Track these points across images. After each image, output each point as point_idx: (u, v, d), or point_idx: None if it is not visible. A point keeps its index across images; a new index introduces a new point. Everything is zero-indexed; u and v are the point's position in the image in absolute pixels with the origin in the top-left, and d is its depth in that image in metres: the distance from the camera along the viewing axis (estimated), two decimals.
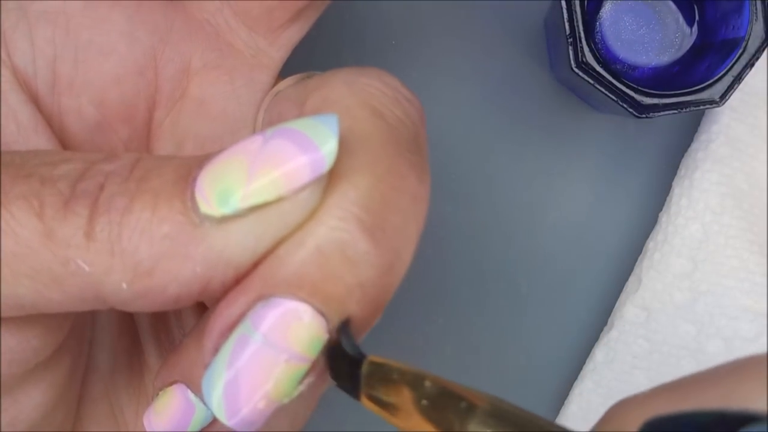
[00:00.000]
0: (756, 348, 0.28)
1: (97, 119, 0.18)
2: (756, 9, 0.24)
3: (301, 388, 0.13)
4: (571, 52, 0.24)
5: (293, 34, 0.19)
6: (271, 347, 0.13)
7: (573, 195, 0.29)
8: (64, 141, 0.18)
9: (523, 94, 0.29)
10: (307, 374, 0.13)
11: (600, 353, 0.28)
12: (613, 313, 0.28)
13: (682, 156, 0.29)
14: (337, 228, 0.13)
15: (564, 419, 0.28)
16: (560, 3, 0.24)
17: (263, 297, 0.13)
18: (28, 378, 0.15)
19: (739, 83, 0.24)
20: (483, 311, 0.29)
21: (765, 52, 0.25)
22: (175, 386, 0.16)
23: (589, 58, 0.24)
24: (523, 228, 0.29)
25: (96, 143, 0.18)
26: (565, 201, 0.29)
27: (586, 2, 0.24)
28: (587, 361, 0.28)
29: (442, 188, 0.29)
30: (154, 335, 0.20)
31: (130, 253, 0.13)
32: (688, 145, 0.29)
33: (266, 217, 0.13)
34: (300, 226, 0.13)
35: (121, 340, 0.20)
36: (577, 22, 0.24)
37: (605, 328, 0.28)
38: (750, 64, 0.24)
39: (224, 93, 0.19)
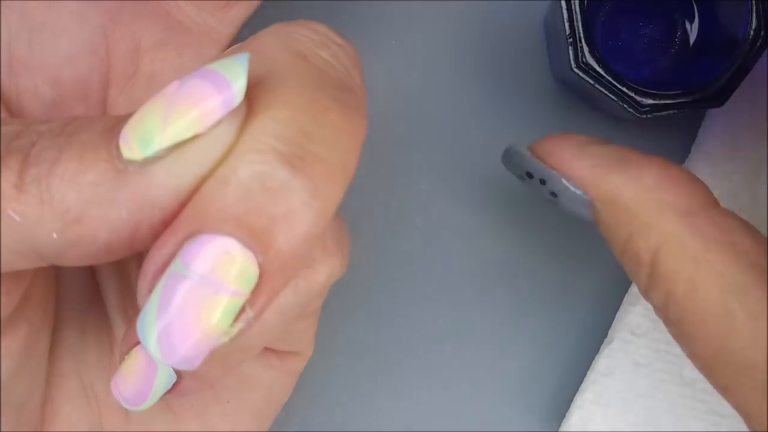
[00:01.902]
0: None
1: (53, 98, 0.18)
2: (756, 9, 0.24)
3: (240, 325, 0.14)
4: (571, 53, 0.24)
5: (240, 11, 0.20)
6: (203, 282, 0.13)
7: None
8: None
9: (523, 94, 0.29)
10: (242, 310, 0.13)
11: (601, 364, 0.28)
12: (613, 324, 0.28)
13: (683, 156, 0.29)
14: (255, 160, 0.13)
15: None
16: (560, 3, 0.24)
17: (192, 235, 0.13)
18: None
19: (739, 83, 0.24)
20: (483, 313, 0.29)
21: (765, 52, 0.25)
22: (138, 347, 0.16)
23: (589, 58, 0.24)
24: (523, 229, 0.29)
25: None
26: None
27: (586, 2, 0.24)
28: (588, 372, 0.28)
29: (442, 188, 0.29)
30: (122, 311, 0.20)
31: (58, 201, 0.13)
32: (689, 145, 0.28)
33: (185, 155, 0.13)
34: (222, 163, 0.13)
35: (89, 317, 0.20)
36: (577, 22, 0.24)
37: (606, 340, 0.28)
38: (750, 64, 0.24)
39: (173, 67, 0.20)
